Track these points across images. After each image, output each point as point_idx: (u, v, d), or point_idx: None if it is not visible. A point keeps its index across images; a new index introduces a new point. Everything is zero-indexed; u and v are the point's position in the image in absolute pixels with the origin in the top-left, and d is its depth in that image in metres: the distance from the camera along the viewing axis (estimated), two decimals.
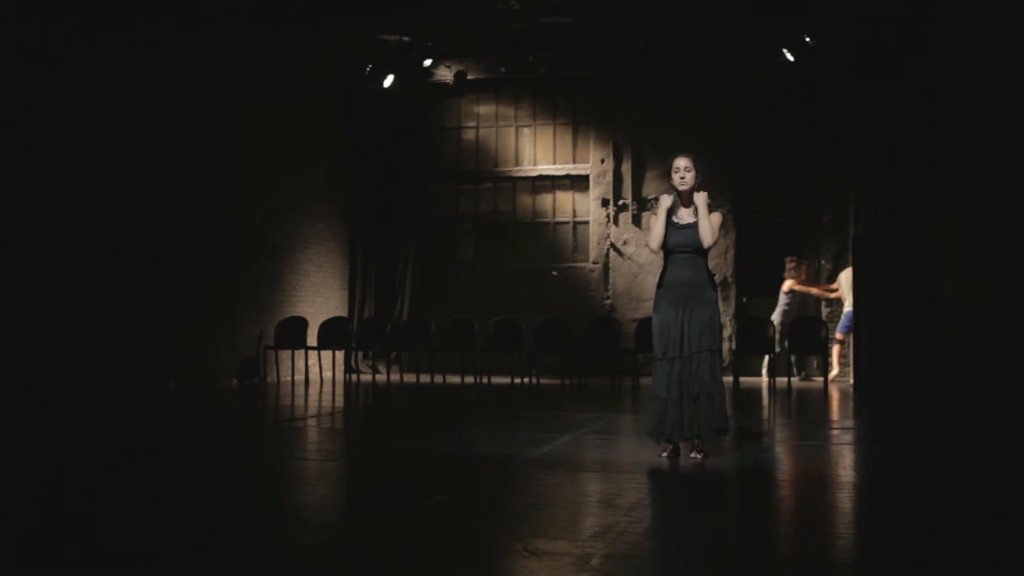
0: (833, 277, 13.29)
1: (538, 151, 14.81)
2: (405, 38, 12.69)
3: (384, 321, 13.13)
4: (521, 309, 13.29)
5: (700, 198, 5.61)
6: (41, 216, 8.27)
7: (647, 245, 5.87)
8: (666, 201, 5.67)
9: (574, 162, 14.62)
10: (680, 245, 5.61)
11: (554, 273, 14.44)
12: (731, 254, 13.71)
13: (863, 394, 10.60)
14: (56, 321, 8.32)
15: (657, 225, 5.65)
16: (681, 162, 5.67)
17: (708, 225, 5.55)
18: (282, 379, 12.07)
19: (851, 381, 11.57)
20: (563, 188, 14.72)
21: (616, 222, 14.22)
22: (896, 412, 8.83)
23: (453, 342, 11.99)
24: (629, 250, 14.14)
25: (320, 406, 9.28)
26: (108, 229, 9.07)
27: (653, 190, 13.66)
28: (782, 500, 4.82)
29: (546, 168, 14.71)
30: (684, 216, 5.66)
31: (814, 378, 12.52)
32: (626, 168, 14.25)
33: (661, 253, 5.75)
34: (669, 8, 11.57)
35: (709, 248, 5.61)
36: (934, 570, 3.37)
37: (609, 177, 14.26)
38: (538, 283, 14.38)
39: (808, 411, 9.30)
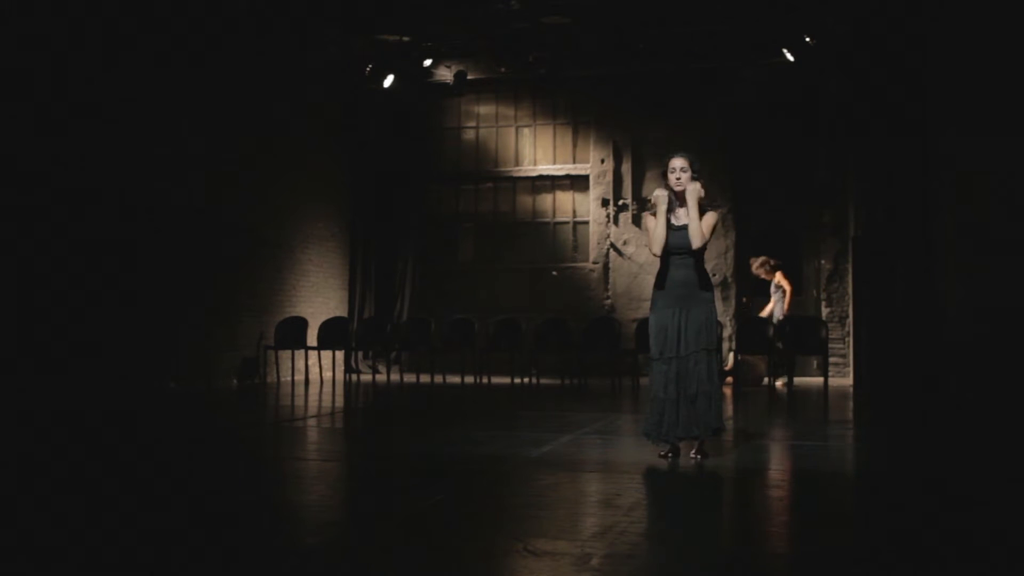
0: (834, 277, 13.27)
1: (538, 151, 14.81)
2: (405, 38, 12.69)
3: (384, 321, 13.12)
4: (521, 309, 13.30)
5: (692, 191, 5.55)
6: (41, 216, 8.27)
7: (649, 248, 5.83)
8: (663, 201, 5.61)
9: (574, 162, 14.62)
10: (676, 246, 5.60)
11: (554, 273, 14.44)
12: (731, 254, 13.71)
13: (863, 394, 10.61)
14: (56, 321, 8.31)
15: (658, 229, 5.59)
16: (677, 162, 5.66)
17: (698, 226, 5.51)
18: (282, 379, 12.07)
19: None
20: (563, 188, 14.73)
21: (616, 222, 14.22)
22: (896, 412, 8.83)
23: (453, 342, 11.99)
24: (629, 250, 14.15)
25: (320, 406, 9.28)
26: (108, 229, 9.07)
27: (653, 190, 13.63)
28: (781, 500, 4.82)
29: (546, 168, 14.71)
30: (681, 216, 5.65)
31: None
32: (626, 168, 14.26)
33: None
34: (669, 8, 11.57)
35: (701, 249, 5.59)
36: (932, 569, 3.37)
37: (609, 177, 14.27)
38: (538, 283, 14.38)
39: (807, 411, 9.29)
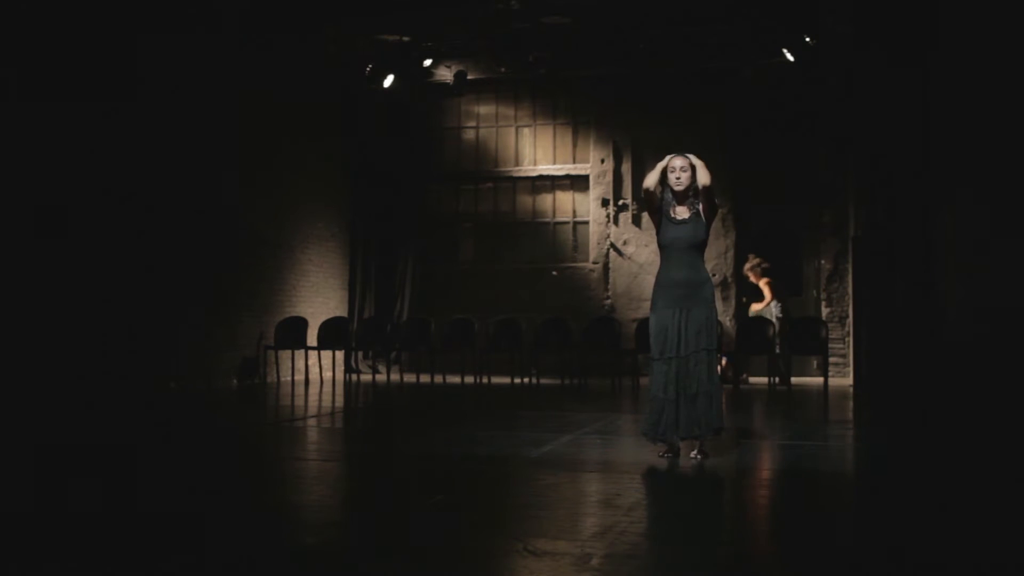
0: (834, 277, 13.26)
1: (538, 151, 14.81)
2: (405, 38, 12.69)
3: (384, 321, 13.12)
4: (521, 309, 13.28)
5: (700, 163, 5.63)
6: (41, 215, 8.27)
7: (644, 186, 5.84)
8: (666, 161, 5.69)
9: (574, 162, 14.62)
10: (677, 241, 5.62)
11: (554, 273, 14.44)
12: (731, 254, 13.70)
13: (863, 394, 10.60)
14: (56, 321, 8.31)
15: (653, 171, 5.69)
16: (677, 162, 5.68)
17: (704, 170, 5.57)
18: (282, 379, 12.07)
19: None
20: (563, 188, 14.72)
21: (616, 222, 14.22)
22: (896, 412, 8.82)
23: (453, 342, 11.99)
24: (629, 250, 14.14)
25: (320, 406, 9.28)
26: (108, 229, 9.07)
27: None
28: (781, 500, 4.82)
29: (546, 168, 14.71)
30: (680, 213, 5.66)
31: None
32: (626, 168, 14.26)
33: (660, 252, 5.76)
34: (669, 8, 11.57)
35: (703, 244, 5.62)
36: (931, 570, 3.37)
37: (609, 177, 14.27)
38: (538, 283, 14.37)
39: (807, 411, 9.29)
